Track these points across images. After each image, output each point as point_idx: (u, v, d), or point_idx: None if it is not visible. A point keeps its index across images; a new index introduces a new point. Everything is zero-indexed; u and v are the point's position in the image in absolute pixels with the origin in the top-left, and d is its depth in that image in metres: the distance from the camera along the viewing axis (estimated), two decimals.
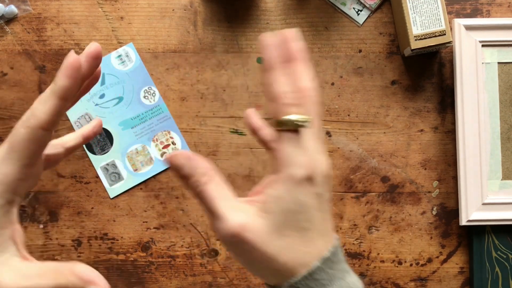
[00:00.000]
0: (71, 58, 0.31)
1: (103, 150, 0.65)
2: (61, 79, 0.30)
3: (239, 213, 0.32)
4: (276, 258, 0.32)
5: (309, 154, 0.32)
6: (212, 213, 0.32)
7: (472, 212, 0.63)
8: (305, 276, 0.32)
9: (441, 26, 0.60)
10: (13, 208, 0.31)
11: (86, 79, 0.33)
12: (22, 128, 0.30)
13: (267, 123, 0.35)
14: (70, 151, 0.41)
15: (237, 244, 0.31)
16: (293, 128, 0.32)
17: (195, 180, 0.32)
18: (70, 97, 0.31)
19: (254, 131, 0.40)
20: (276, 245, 0.32)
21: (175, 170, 0.33)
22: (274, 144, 0.33)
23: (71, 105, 0.35)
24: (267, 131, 0.40)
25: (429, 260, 0.66)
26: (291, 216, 0.32)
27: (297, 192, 0.32)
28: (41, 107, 0.30)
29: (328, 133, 0.66)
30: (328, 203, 0.34)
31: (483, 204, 0.63)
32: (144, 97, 0.66)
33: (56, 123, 0.31)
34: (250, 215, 0.32)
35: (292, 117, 0.32)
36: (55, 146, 0.40)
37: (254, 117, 0.40)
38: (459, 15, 0.66)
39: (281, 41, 0.34)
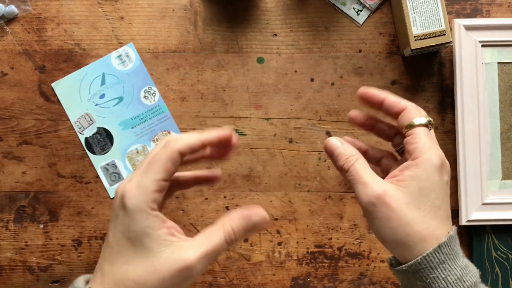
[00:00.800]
0: (232, 133, 0.40)
1: (103, 150, 0.65)
2: (214, 135, 0.39)
3: (382, 183, 0.38)
4: (411, 225, 0.37)
5: (438, 148, 0.40)
6: (359, 182, 0.39)
7: (472, 212, 0.63)
8: (436, 248, 0.37)
9: (441, 26, 0.60)
10: (158, 213, 0.37)
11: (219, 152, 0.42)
12: (163, 148, 0.37)
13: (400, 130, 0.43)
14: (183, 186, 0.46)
15: (379, 205, 0.38)
16: (425, 124, 0.40)
17: (346, 158, 0.40)
18: (206, 147, 0.39)
19: (372, 128, 0.47)
20: (412, 213, 0.37)
21: (330, 150, 0.41)
22: (408, 140, 0.40)
23: (194, 160, 0.42)
24: (375, 149, 0.47)
25: None
26: (426, 193, 0.38)
27: (432, 174, 0.38)
28: (185, 137, 0.38)
29: (328, 133, 0.66)
30: (449, 195, 0.40)
31: (483, 204, 0.63)
32: (144, 97, 0.66)
33: (187, 153, 0.38)
34: (391, 186, 0.38)
35: (422, 119, 0.41)
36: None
37: (361, 113, 0.47)
38: (459, 15, 0.66)
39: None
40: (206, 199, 0.65)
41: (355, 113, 0.47)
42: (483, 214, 0.63)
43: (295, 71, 0.66)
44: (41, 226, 0.65)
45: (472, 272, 0.38)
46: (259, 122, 0.66)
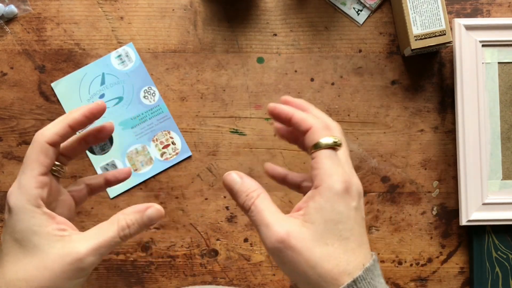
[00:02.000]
0: (98, 104, 0.40)
1: (103, 150, 0.65)
2: (77, 113, 0.39)
3: (285, 222, 0.35)
4: (320, 265, 0.34)
5: (344, 170, 0.36)
6: (261, 223, 0.35)
7: (472, 212, 0.63)
8: (350, 284, 0.33)
9: (441, 26, 0.60)
10: (44, 209, 0.37)
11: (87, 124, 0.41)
12: (31, 145, 0.38)
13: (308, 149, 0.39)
14: (93, 189, 0.46)
15: (284, 250, 0.34)
16: (330, 147, 0.36)
17: (246, 195, 0.36)
18: (76, 128, 0.39)
19: (283, 180, 0.44)
20: (320, 252, 0.34)
21: (228, 187, 0.37)
22: (312, 163, 0.37)
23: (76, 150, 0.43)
24: (293, 174, 0.44)
25: (429, 260, 0.65)
26: (332, 225, 0.34)
27: (337, 203, 0.35)
28: (50, 126, 0.39)
29: None
30: (363, 221, 0.37)
31: (483, 204, 0.63)
32: (144, 97, 0.66)
33: (61, 142, 0.39)
34: (295, 224, 0.35)
35: (328, 139, 0.36)
36: (77, 182, 0.46)
37: (275, 168, 0.44)
38: (459, 15, 0.66)
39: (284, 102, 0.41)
40: (206, 199, 0.65)
41: (278, 125, 0.44)
42: (483, 214, 0.63)
43: (295, 71, 0.66)
44: None
45: None
46: (259, 122, 0.66)
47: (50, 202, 0.40)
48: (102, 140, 0.44)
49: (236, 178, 0.37)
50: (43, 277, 0.35)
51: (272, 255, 0.36)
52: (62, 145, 0.42)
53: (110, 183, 0.47)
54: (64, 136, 0.39)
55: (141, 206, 0.38)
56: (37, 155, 0.38)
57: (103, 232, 0.37)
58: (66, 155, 0.43)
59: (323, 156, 0.36)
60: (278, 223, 0.35)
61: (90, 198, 0.48)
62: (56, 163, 0.41)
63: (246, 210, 0.37)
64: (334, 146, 0.37)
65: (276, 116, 0.40)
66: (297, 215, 0.36)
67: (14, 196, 0.37)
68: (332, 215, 0.35)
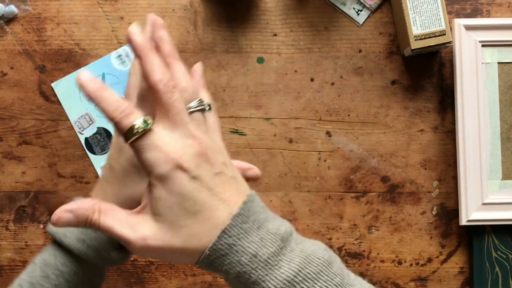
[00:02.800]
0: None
1: (103, 150, 0.65)
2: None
3: (137, 227, 0.34)
4: (186, 247, 0.34)
5: (166, 148, 0.33)
6: (118, 239, 0.34)
7: (472, 212, 0.63)
8: (220, 235, 0.33)
9: (441, 26, 0.60)
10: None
11: None
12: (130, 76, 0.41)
13: None
14: None
15: (149, 252, 0.34)
16: (139, 135, 0.33)
17: (89, 221, 0.35)
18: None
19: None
20: (179, 238, 0.34)
21: (74, 224, 0.35)
22: (136, 157, 0.35)
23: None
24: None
25: (429, 260, 0.66)
26: (177, 208, 0.33)
27: (170, 187, 0.33)
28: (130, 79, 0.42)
29: (328, 133, 0.66)
30: (215, 178, 0.34)
31: (483, 204, 0.63)
32: None
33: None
34: (146, 224, 0.34)
35: (134, 125, 0.33)
36: None
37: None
38: (459, 15, 0.66)
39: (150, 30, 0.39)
40: None
41: None
42: (483, 214, 0.63)
43: (295, 71, 0.66)
44: (41, 226, 0.65)
45: (270, 241, 0.34)
46: (259, 122, 0.66)
47: None
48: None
49: (67, 216, 0.36)
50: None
51: (143, 256, 0.36)
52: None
53: None
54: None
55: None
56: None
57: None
58: None
59: (137, 149, 0.34)
60: (131, 232, 0.34)
61: None
62: None
63: (98, 229, 0.35)
64: (140, 134, 0.33)
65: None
66: (146, 210, 0.35)
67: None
68: (172, 199, 0.33)
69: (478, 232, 0.64)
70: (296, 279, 0.33)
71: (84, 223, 0.35)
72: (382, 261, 0.65)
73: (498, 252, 0.64)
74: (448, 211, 0.65)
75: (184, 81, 0.39)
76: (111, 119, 0.34)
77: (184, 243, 0.34)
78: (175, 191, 0.33)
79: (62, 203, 0.66)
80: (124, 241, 0.34)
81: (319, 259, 0.34)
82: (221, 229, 0.33)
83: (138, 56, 0.35)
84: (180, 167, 0.33)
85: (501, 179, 0.64)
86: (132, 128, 0.33)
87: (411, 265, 0.65)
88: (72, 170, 0.65)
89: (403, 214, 0.66)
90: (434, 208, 0.66)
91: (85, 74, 0.34)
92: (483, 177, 0.63)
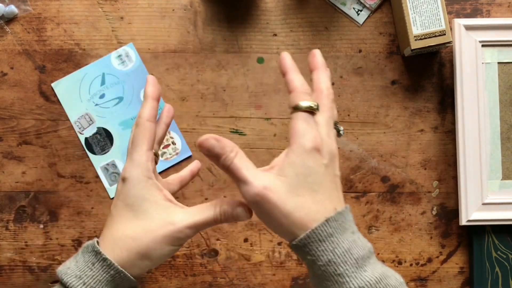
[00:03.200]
0: (151, 77, 0.46)
1: (103, 150, 0.65)
2: (148, 88, 0.45)
3: (262, 177, 0.39)
4: (293, 214, 0.38)
5: (316, 132, 0.39)
6: (240, 180, 0.39)
7: (472, 212, 0.63)
8: (324, 222, 0.38)
9: (441, 26, 0.60)
10: (155, 181, 0.43)
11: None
12: (134, 127, 0.44)
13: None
14: (182, 181, 0.55)
15: (261, 202, 0.38)
16: (307, 110, 0.40)
17: (225, 157, 0.39)
18: (157, 98, 0.45)
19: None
20: (293, 202, 0.38)
21: (208, 151, 0.40)
22: (290, 123, 0.40)
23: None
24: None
25: (429, 260, 0.66)
26: (302, 178, 0.38)
27: (306, 159, 0.38)
28: (142, 109, 0.44)
29: None
30: (336, 177, 0.41)
31: (483, 204, 0.63)
32: None
33: (155, 118, 0.44)
34: (270, 178, 0.39)
35: (305, 102, 0.40)
36: (170, 176, 0.54)
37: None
38: (459, 15, 0.66)
39: (310, 55, 0.46)
40: (206, 199, 0.65)
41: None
42: (483, 214, 0.63)
43: None
44: (41, 226, 0.65)
45: (360, 246, 0.38)
46: (259, 122, 0.66)
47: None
48: (172, 117, 0.51)
49: (214, 142, 0.39)
50: (146, 238, 0.41)
51: (252, 207, 0.40)
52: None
53: (193, 174, 0.56)
54: (155, 110, 0.45)
55: (234, 201, 0.42)
56: (143, 132, 0.43)
57: (203, 212, 0.42)
58: (156, 142, 0.49)
59: (298, 117, 0.40)
60: (256, 178, 0.38)
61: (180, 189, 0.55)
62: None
63: (225, 169, 0.40)
64: (310, 110, 0.40)
65: (279, 66, 0.45)
66: (275, 169, 0.40)
67: (129, 169, 0.43)
68: (302, 169, 0.38)
69: (478, 232, 0.64)
70: (377, 285, 0.37)
71: (221, 155, 0.39)
72: (382, 261, 0.65)
73: (498, 252, 0.64)
74: (448, 211, 0.66)
75: (324, 86, 0.45)
76: (294, 88, 0.41)
77: (293, 209, 0.38)
78: (308, 164, 0.38)
79: (62, 203, 0.67)
80: (246, 182, 0.38)
81: (397, 279, 0.39)
82: (326, 217, 0.38)
83: (313, 68, 0.45)
84: (319, 151, 0.39)
85: (501, 179, 0.64)
86: (303, 103, 0.40)
87: (411, 265, 0.65)
88: (72, 170, 0.65)
89: (403, 214, 0.66)
90: (434, 208, 0.66)
91: (287, 55, 0.44)
92: (483, 177, 0.63)
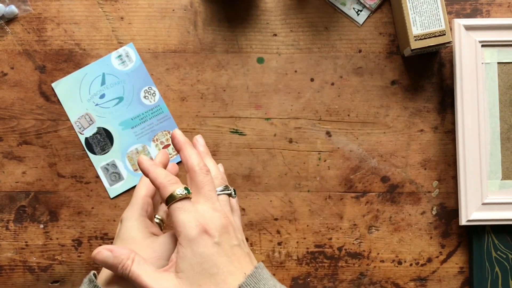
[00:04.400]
0: (164, 154, 0.51)
1: (103, 150, 0.65)
2: (159, 157, 0.50)
3: (161, 281, 0.39)
4: None
5: (197, 215, 0.40)
6: (142, 287, 0.39)
7: (472, 212, 0.63)
8: None
9: (441, 26, 0.60)
10: (144, 218, 0.47)
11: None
12: (134, 199, 0.48)
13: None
14: None
15: None
16: (177, 199, 0.40)
17: (121, 265, 0.40)
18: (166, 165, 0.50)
19: None
20: None
21: (102, 264, 0.41)
22: (170, 218, 0.41)
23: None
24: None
25: (429, 260, 0.66)
26: (198, 267, 0.39)
27: (195, 247, 0.39)
28: (142, 186, 0.50)
29: (328, 133, 0.66)
30: (234, 248, 0.41)
31: (483, 204, 0.63)
32: (144, 97, 0.66)
33: (151, 196, 0.50)
34: (169, 280, 0.39)
35: (175, 191, 0.41)
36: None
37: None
38: (459, 15, 0.66)
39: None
40: None
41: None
42: (483, 214, 0.63)
43: (295, 71, 0.66)
44: (41, 226, 0.65)
45: None
46: (259, 122, 0.66)
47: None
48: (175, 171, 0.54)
49: (106, 253, 0.40)
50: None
51: None
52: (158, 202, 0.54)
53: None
54: (153, 192, 0.49)
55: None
56: (142, 190, 0.49)
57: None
58: (164, 210, 0.55)
59: (174, 209, 0.41)
60: (156, 283, 0.39)
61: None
62: (158, 216, 0.53)
63: (126, 278, 0.40)
64: (185, 196, 0.41)
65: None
66: (170, 268, 0.40)
67: (126, 210, 0.47)
68: (195, 259, 0.39)
69: (478, 232, 0.64)
70: None
71: (117, 265, 0.40)
72: (382, 261, 0.65)
73: (498, 252, 0.64)
74: (448, 211, 0.66)
75: (214, 171, 0.46)
76: (159, 184, 0.42)
77: None
78: (198, 252, 0.39)
79: (63, 203, 0.67)
80: None
81: None
82: (238, 285, 0.39)
83: (179, 149, 0.45)
84: (207, 232, 0.40)
85: (501, 179, 0.64)
86: (174, 193, 0.41)
87: (411, 265, 0.66)
88: (72, 170, 0.65)
89: (403, 214, 0.66)
90: (434, 208, 0.66)
91: (144, 157, 0.44)
92: (483, 177, 0.63)
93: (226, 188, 0.45)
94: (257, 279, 0.39)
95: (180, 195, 0.40)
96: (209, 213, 0.41)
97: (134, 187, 0.65)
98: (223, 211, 0.42)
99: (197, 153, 0.44)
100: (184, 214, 0.40)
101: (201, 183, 0.42)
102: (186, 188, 0.41)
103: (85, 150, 0.65)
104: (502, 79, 0.64)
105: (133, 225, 0.45)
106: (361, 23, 0.66)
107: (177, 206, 0.40)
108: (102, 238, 0.65)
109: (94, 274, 0.43)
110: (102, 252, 0.40)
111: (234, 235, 0.41)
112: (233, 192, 0.46)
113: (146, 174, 0.43)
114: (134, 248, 0.43)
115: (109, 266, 0.40)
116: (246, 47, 0.66)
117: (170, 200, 0.41)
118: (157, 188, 0.42)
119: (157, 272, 0.40)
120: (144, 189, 0.49)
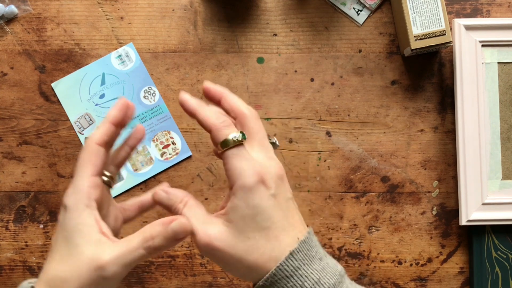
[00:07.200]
0: (123, 99, 0.41)
1: None
2: (111, 111, 0.40)
3: (208, 226, 0.37)
4: (245, 258, 0.36)
5: (254, 162, 0.37)
6: (190, 231, 0.37)
7: (472, 212, 0.63)
8: (288, 256, 0.36)
9: (441, 26, 0.60)
10: (93, 211, 0.38)
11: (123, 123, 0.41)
12: (82, 150, 0.39)
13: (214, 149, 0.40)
14: (142, 208, 0.48)
15: (211, 251, 0.37)
16: (233, 145, 0.37)
17: (174, 208, 0.39)
18: (118, 124, 0.40)
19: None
20: (243, 246, 0.36)
21: (159, 204, 0.39)
22: (223, 165, 0.38)
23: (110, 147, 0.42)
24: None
25: (429, 260, 0.66)
26: (250, 219, 0.36)
27: (250, 198, 0.36)
28: (96, 130, 0.40)
29: (328, 133, 0.66)
30: (289, 201, 0.38)
31: (483, 204, 0.63)
32: (144, 97, 0.66)
33: (109, 143, 0.40)
34: (217, 226, 0.37)
35: (231, 136, 0.37)
36: (131, 200, 0.48)
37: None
38: (459, 15, 0.66)
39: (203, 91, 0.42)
40: (206, 199, 0.65)
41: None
42: (483, 214, 0.63)
43: (295, 71, 0.66)
44: (41, 226, 0.65)
45: (330, 273, 0.37)
46: None
47: (101, 209, 0.40)
48: (140, 140, 0.46)
49: (163, 194, 0.39)
50: (74, 278, 0.36)
51: (206, 256, 0.39)
52: (110, 156, 0.44)
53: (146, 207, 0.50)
54: (110, 135, 0.40)
55: (167, 218, 0.37)
56: (89, 156, 0.39)
57: (128, 242, 0.37)
58: (115, 164, 0.45)
59: (229, 156, 0.37)
60: (202, 229, 0.37)
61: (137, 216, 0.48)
62: (107, 173, 0.42)
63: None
64: (239, 143, 0.37)
65: (208, 95, 0.42)
66: (220, 214, 0.38)
67: (69, 196, 0.38)
68: (248, 211, 0.36)
69: (478, 232, 0.64)
70: None
71: (170, 207, 0.39)
72: (382, 261, 0.65)
73: (498, 252, 0.64)
74: (448, 211, 0.66)
75: (240, 109, 0.42)
76: (211, 126, 0.38)
77: (245, 253, 0.36)
78: (253, 204, 0.36)
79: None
80: (194, 234, 0.37)
81: None
82: (289, 251, 0.36)
83: (218, 98, 0.41)
84: (264, 182, 0.37)
85: (501, 179, 0.64)
86: (228, 139, 0.37)
87: (411, 265, 0.65)
88: (72, 170, 0.65)
89: (403, 214, 0.66)
90: (434, 208, 0.66)
91: (187, 95, 0.39)
92: (483, 177, 0.63)
93: (269, 138, 0.42)
94: (310, 246, 0.37)
95: (236, 140, 0.37)
96: (266, 161, 0.38)
97: (134, 187, 0.65)
98: (278, 160, 0.39)
99: (239, 98, 0.40)
100: (241, 161, 0.37)
101: (254, 129, 0.39)
102: (242, 133, 0.38)
103: None
104: (502, 79, 0.64)
105: (77, 217, 0.38)
106: (361, 23, 0.66)
107: (233, 153, 0.37)
108: None
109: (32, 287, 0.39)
110: (159, 193, 0.39)
111: (288, 187, 0.39)
112: (276, 142, 0.43)
113: (192, 115, 0.39)
114: (75, 264, 0.36)
115: (163, 206, 0.39)
116: (246, 47, 0.66)
117: (225, 145, 0.37)
118: (207, 130, 0.38)
119: (207, 217, 0.38)
120: (102, 136, 0.40)
